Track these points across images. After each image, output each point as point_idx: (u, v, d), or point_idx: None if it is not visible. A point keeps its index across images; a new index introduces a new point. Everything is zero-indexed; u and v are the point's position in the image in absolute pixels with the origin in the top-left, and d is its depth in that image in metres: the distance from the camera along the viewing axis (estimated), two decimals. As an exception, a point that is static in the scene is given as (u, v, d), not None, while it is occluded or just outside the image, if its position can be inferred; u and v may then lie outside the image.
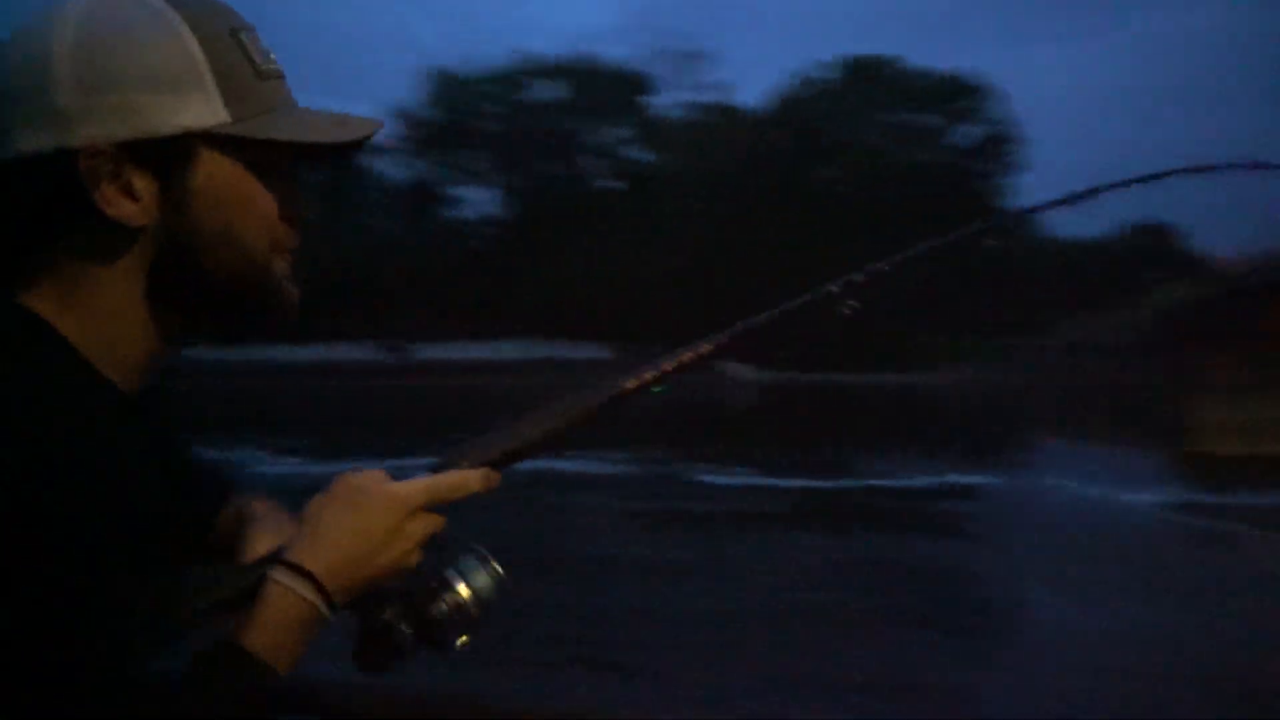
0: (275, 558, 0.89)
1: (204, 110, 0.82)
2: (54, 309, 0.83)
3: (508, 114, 33.31)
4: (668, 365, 1.08)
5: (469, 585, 0.95)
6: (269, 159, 0.86)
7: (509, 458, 0.99)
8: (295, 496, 0.97)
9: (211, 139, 0.83)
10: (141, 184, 0.82)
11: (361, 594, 0.92)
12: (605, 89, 33.43)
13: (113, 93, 0.80)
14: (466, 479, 0.96)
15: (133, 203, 0.82)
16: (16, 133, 0.82)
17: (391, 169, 34.43)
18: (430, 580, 0.95)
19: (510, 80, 33.41)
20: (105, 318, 0.85)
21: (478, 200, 33.91)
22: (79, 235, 0.83)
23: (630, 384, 1.05)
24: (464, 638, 0.95)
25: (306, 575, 0.87)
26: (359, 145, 0.90)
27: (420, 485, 0.93)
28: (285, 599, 0.87)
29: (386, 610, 0.94)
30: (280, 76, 0.88)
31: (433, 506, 0.93)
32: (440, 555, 0.96)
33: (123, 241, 0.84)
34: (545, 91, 33.84)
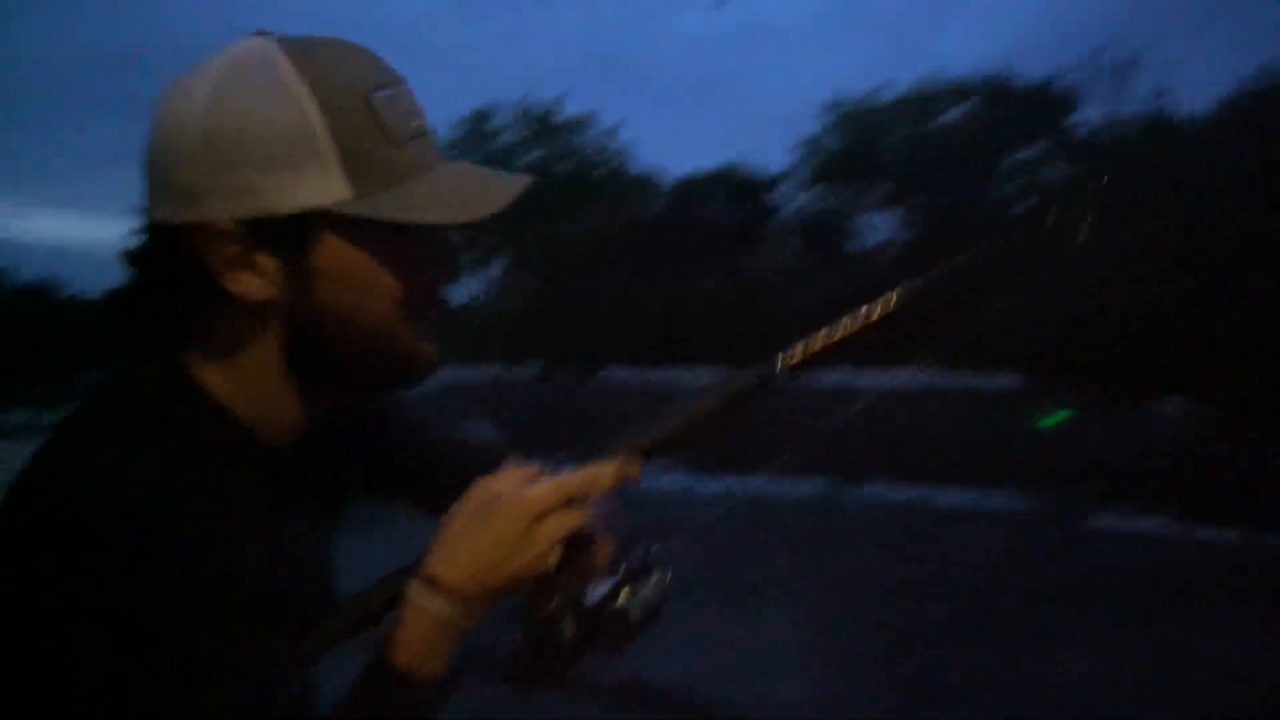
0: (412, 569, 0.90)
1: (323, 186, 0.79)
2: (210, 372, 0.87)
3: (913, 139, 32.53)
4: (807, 349, 1.01)
5: (632, 588, 0.94)
6: (393, 235, 0.83)
7: (651, 450, 0.96)
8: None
9: (331, 218, 0.81)
10: (264, 261, 0.82)
11: (511, 597, 0.91)
12: (1019, 107, 31.53)
13: (232, 172, 0.79)
14: (599, 473, 0.93)
15: (256, 278, 0.83)
16: (154, 200, 0.84)
17: (790, 199, 35.02)
18: (595, 577, 0.95)
19: (916, 104, 32.63)
20: (255, 383, 0.87)
21: (879, 227, 33.45)
22: (222, 303, 0.84)
23: (773, 372, 0.99)
24: (620, 643, 0.93)
25: (440, 588, 0.87)
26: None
27: (551, 485, 0.91)
28: (420, 613, 0.87)
29: (551, 603, 0.92)
30: (423, 135, 0.85)
31: (568, 503, 0.91)
32: (614, 553, 0.97)
33: (255, 314, 0.85)
34: (953, 114, 32.66)
